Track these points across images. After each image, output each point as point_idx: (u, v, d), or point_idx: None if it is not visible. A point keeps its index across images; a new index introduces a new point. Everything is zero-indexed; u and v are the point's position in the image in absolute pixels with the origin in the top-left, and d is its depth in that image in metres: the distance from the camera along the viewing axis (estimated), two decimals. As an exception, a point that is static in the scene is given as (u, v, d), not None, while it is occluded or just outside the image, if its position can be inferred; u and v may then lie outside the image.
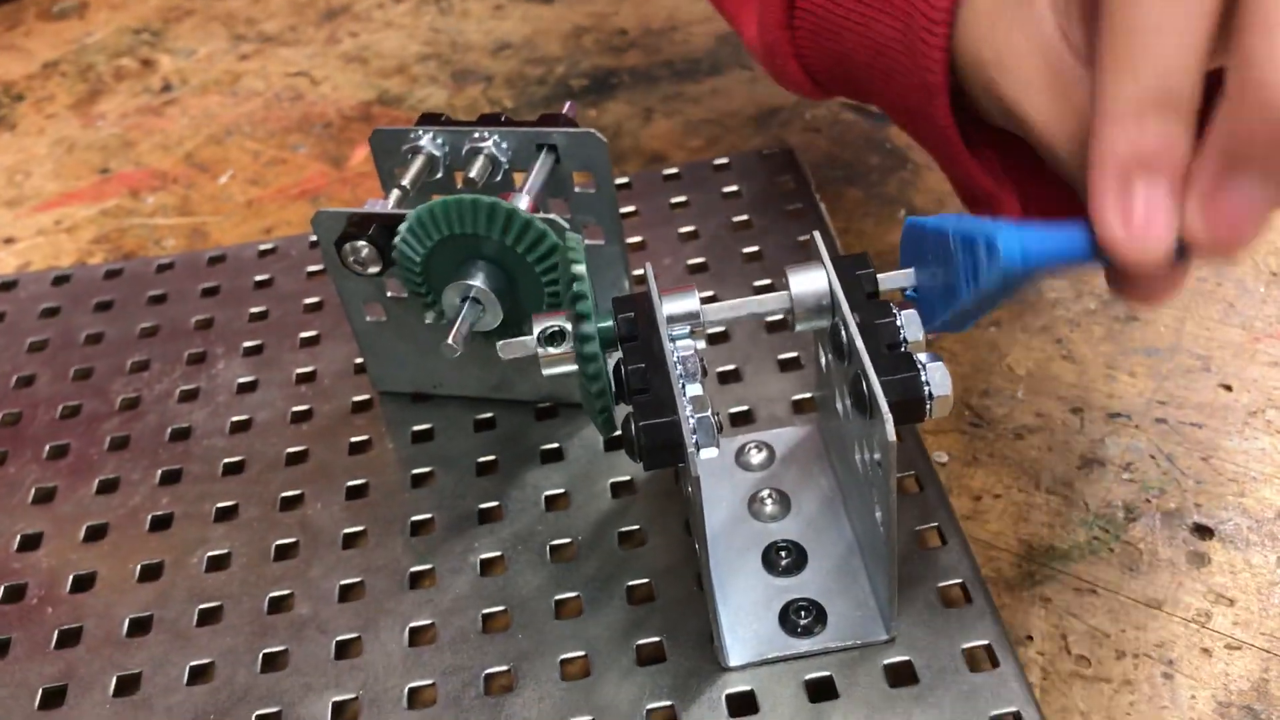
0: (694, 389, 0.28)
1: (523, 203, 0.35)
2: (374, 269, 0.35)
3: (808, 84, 0.37)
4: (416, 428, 0.39)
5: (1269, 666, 0.30)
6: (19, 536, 0.37)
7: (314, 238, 0.46)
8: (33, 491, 0.39)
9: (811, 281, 0.29)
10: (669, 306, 0.29)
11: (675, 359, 0.28)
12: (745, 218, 0.45)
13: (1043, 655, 0.31)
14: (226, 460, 0.39)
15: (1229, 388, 0.37)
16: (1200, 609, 0.31)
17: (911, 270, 0.29)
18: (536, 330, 0.29)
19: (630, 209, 0.46)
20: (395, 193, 0.36)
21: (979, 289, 0.26)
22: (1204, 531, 0.33)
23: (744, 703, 0.30)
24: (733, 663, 0.30)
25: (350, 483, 0.37)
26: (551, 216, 0.33)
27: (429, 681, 0.31)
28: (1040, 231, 0.25)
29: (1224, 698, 0.29)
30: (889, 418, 0.26)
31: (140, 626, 0.34)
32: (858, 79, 0.35)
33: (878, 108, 0.35)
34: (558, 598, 0.33)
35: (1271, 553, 0.32)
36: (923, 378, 0.27)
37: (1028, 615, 0.32)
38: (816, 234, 0.30)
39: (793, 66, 0.36)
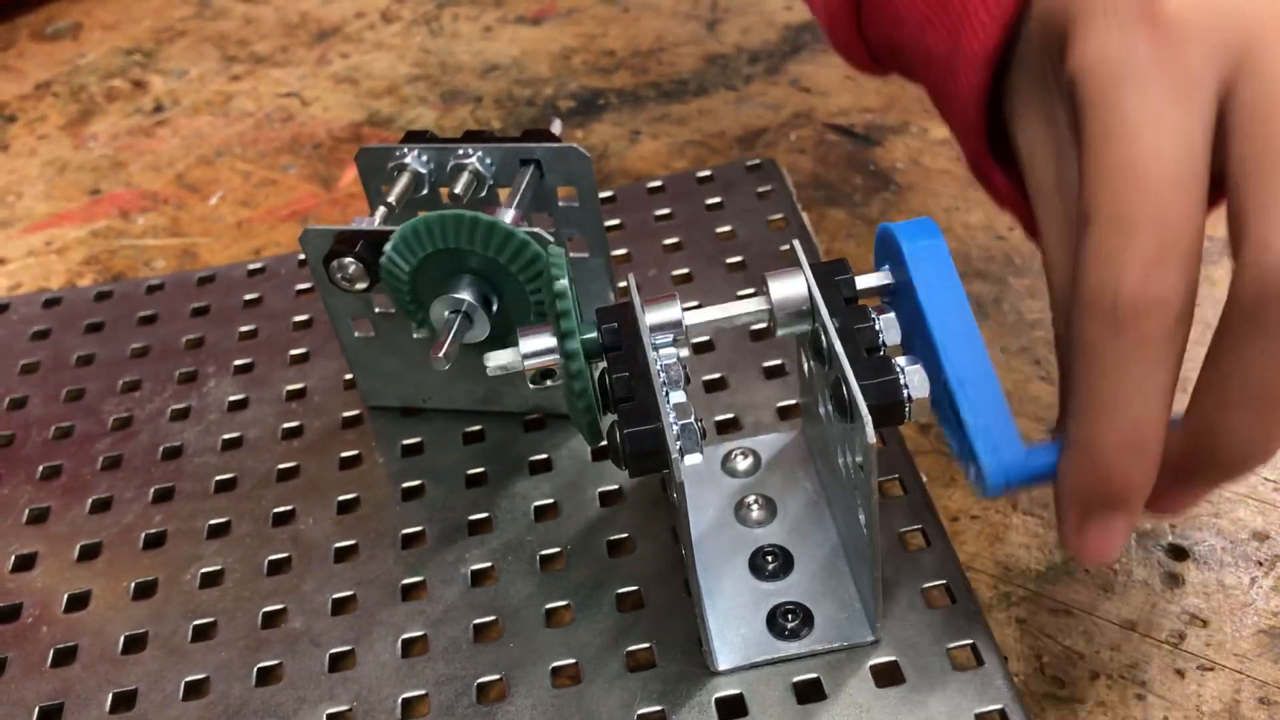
0: (677, 396, 0.28)
1: (507, 217, 0.35)
2: (361, 285, 0.35)
3: (868, 60, 0.38)
4: (406, 441, 0.39)
5: (1241, 687, 0.30)
6: (14, 557, 0.37)
7: (302, 256, 0.47)
8: (26, 512, 0.39)
9: (791, 287, 0.30)
10: (651, 316, 0.30)
11: (658, 367, 0.29)
12: (729, 228, 0.46)
13: (1017, 676, 0.31)
14: (218, 477, 0.39)
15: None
16: (1174, 630, 0.32)
17: (887, 269, 0.30)
18: (523, 349, 0.30)
19: (615, 221, 0.47)
20: (381, 210, 0.37)
21: (950, 438, 0.29)
22: (1179, 553, 0.33)
23: (733, 706, 0.30)
24: (721, 667, 0.31)
25: (341, 497, 0.38)
26: (535, 230, 0.34)
27: (422, 692, 0.32)
28: (1022, 461, 0.27)
29: (1196, 719, 0.30)
30: (869, 421, 0.26)
31: (135, 643, 0.34)
32: (911, 73, 0.36)
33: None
34: (548, 606, 0.33)
35: (1245, 574, 0.33)
36: (901, 381, 0.27)
37: (1003, 636, 0.32)
38: (796, 242, 0.31)
39: (855, 41, 0.37)
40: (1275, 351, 0.23)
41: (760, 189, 0.47)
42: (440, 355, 0.33)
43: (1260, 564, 0.33)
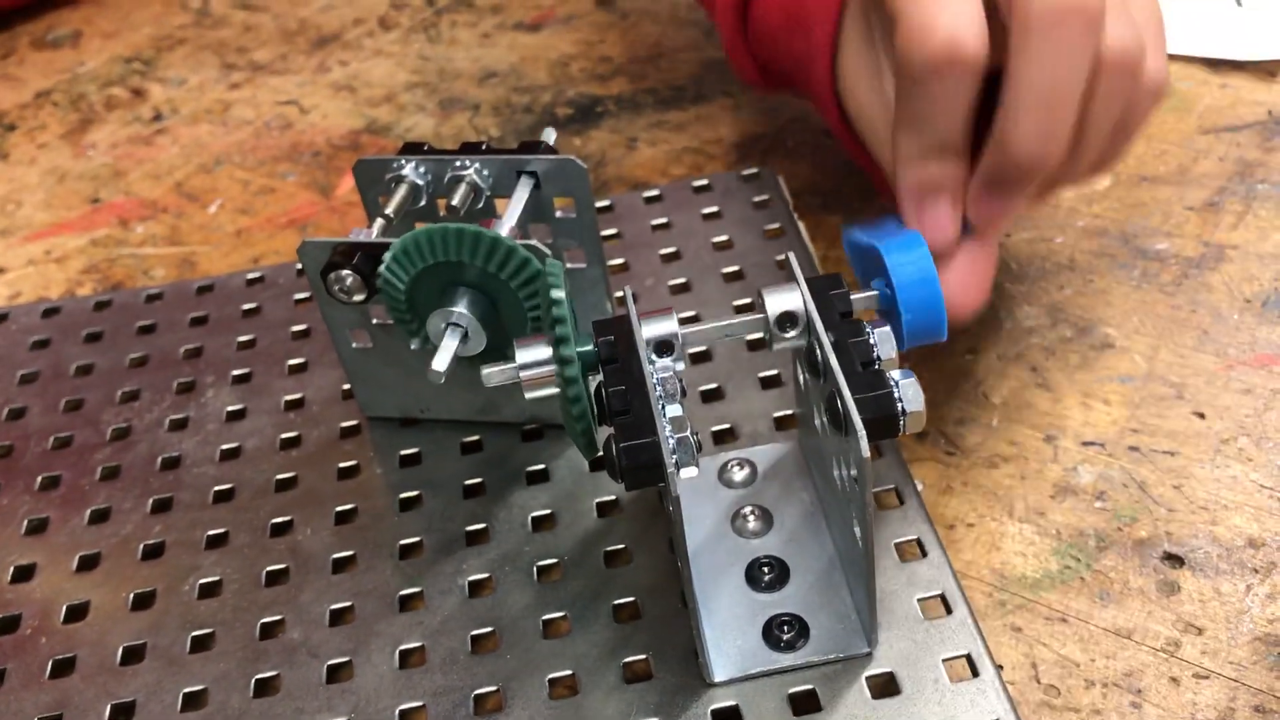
0: (673, 410, 0.28)
1: (504, 229, 0.35)
2: (359, 297, 0.35)
3: (759, 78, 0.47)
4: (404, 452, 0.39)
5: (1236, 696, 0.30)
6: (12, 568, 0.38)
7: (300, 265, 0.47)
8: (25, 523, 0.39)
9: (786, 302, 0.30)
10: (648, 329, 0.30)
11: (654, 380, 0.29)
12: (726, 238, 0.46)
13: (1013, 685, 0.31)
14: (217, 488, 0.39)
15: (1202, 415, 0.37)
16: (1169, 638, 0.32)
17: (881, 286, 0.30)
18: (519, 360, 0.30)
19: (612, 231, 0.47)
20: (379, 222, 0.37)
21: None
22: (1175, 560, 0.33)
23: (729, 718, 0.30)
24: (717, 678, 0.31)
25: (339, 508, 0.38)
26: (532, 242, 0.34)
27: (419, 703, 0.32)
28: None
29: (1191, 727, 0.30)
30: (863, 434, 0.26)
31: (134, 655, 0.34)
32: (790, 77, 0.44)
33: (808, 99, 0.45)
34: (545, 617, 0.33)
35: (1241, 581, 0.33)
36: (896, 394, 0.27)
37: (998, 644, 0.32)
38: (792, 255, 0.31)
39: (748, 62, 0.46)
40: (1044, 61, 0.30)
41: (757, 198, 0.47)
42: (436, 368, 0.33)
43: (1256, 571, 0.33)
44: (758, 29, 0.45)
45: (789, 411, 0.38)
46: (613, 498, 0.37)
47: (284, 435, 0.41)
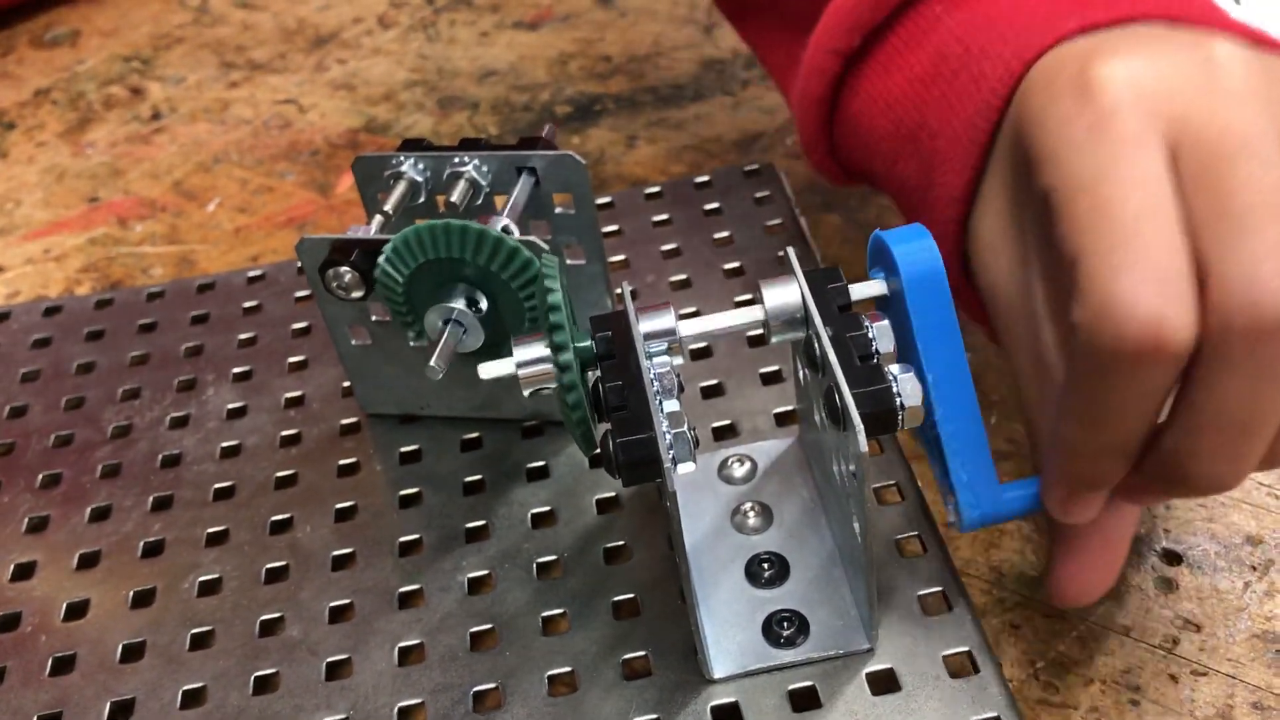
0: (671, 405, 0.28)
1: (503, 225, 0.35)
2: (358, 294, 0.35)
3: (840, 175, 0.39)
4: (404, 449, 0.39)
5: (1234, 692, 0.30)
6: (13, 565, 0.38)
7: (300, 264, 0.47)
8: (26, 521, 0.39)
9: (785, 295, 0.30)
10: (645, 324, 0.30)
11: (652, 376, 0.29)
12: (726, 234, 0.46)
13: (1011, 682, 0.31)
14: (217, 485, 0.39)
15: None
16: (1168, 635, 0.32)
17: (881, 278, 0.30)
18: (518, 359, 0.30)
19: (613, 228, 0.47)
20: (378, 218, 0.37)
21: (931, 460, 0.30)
22: (1172, 557, 0.33)
23: (729, 714, 0.30)
24: (717, 675, 0.31)
25: (339, 505, 0.38)
26: (530, 238, 0.34)
27: (419, 700, 0.32)
28: (997, 498, 0.29)
29: (1189, 724, 0.30)
30: (861, 429, 0.26)
31: (133, 652, 0.34)
32: (887, 192, 0.37)
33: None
34: (544, 614, 0.33)
35: (1239, 578, 0.33)
36: (894, 389, 0.27)
37: (997, 642, 0.32)
38: (791, 249, 0.31)
39: (828, 162, 0.39)
40: (1240, 385, 0.24)
41: (758, 194, 0.47)
42: (434, 364, 0.33)
43: (1254, 569, 0.33)
44: (853, 129, 0.37)
45: (789, 407, 0.38)
46: (612, 494, 0.36)
47: (284, 432, 0.41)
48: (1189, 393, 0.25)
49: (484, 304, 0.35)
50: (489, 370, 0.30)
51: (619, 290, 0.41)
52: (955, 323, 0.29)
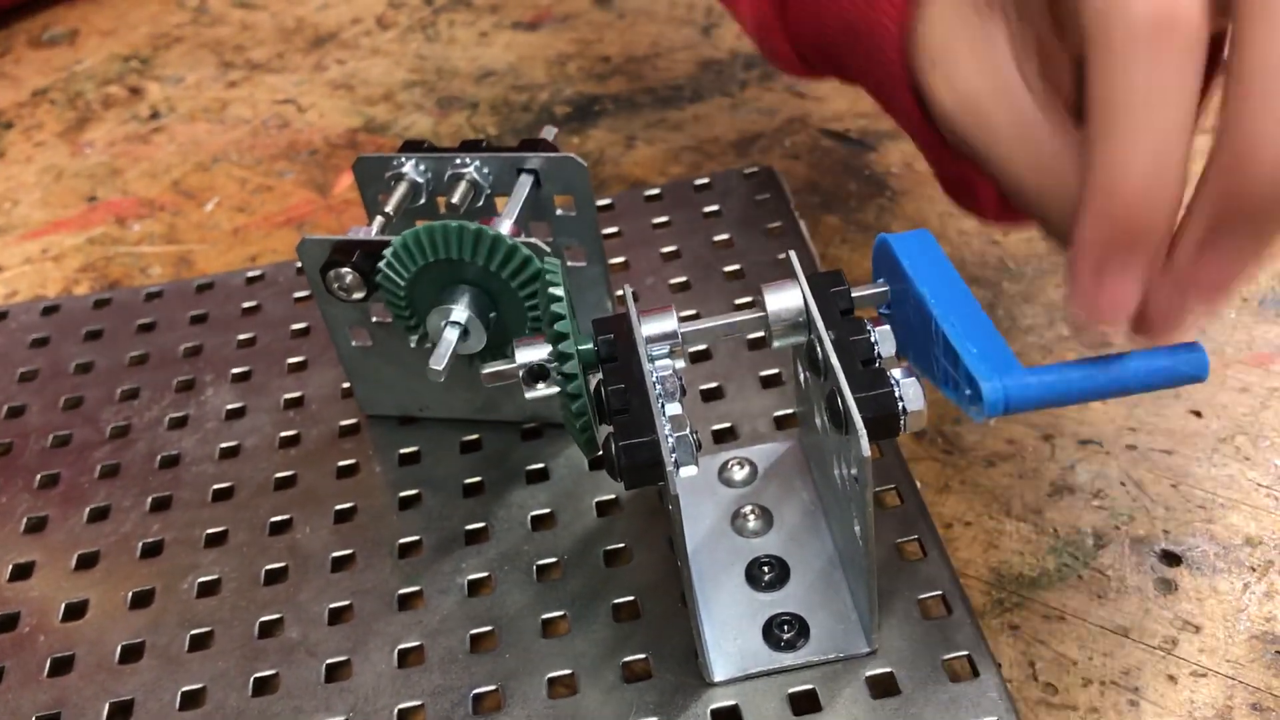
0: (673, 408, 0.28)
1: (504, 227, 0.35)
2: (358, 295, 0.35)
3: (798, 63, 0.37)
4: (404, 450, 0.39)
5: (1233, 693, 0.30)
6: (11, 566, 0.37)
7: (300, 264, 0.47)
8: (24, 521, 0.39)
9: (786, 299, 0.30)
10: (647, 327, 0.30)
11: (654, 379, 0.29)
12: (726, 236, 0.46)
13: (1010, 683, 0.31)
14: (216, 486, 0.39)
15: (1199, 414, 0.37)
16: (1167, 636, 0.32)
17: (884, 282, 0.30)
18: (519, 360, 0.30)
19: (613, 230, 0.47)
20: (379, 219, 0.37)
21: (948, 393, 0.28)
22: (1172, 558, 0.34)
23: (729, 717, 0.30)
24: (717, 678, 0.31)
25: (339, 506, 0.38)
26: (532, 240, 0.34)
27: (418, 702, 0.32)
28: (1024, 379, 0.26)
29: (1188, 726, 0.30)
30: (863, 433, 0.26)
31: (132, 653, 0.34)
32: (840, 59, 0.35)
33: (864, 89, 0.36)
34: (544, 616, 0.33)
35: (1238, 579, 0.33)
36: (896, 393, 0.27)
37: (996, 643, 0.32)
38: (792, 253, 0.31)
39: (783, 45, 0.37)
40: None
41: (758, 196, 0.47)
42: (435, 367, 0.33)
43: (1253, 569, 0.33)
44: (798, 9, 0.36)
45: (789, 410, 0.38)
46: (612, 496, 0.36)
47: (283, 433, 0.41)
48: (1234, 59, 0.23)
49: (486, 306, 0.35)
50: (492, 375, 0.30)
51: (619, 292, 0.41)
52: (957, 275, 0.28)
